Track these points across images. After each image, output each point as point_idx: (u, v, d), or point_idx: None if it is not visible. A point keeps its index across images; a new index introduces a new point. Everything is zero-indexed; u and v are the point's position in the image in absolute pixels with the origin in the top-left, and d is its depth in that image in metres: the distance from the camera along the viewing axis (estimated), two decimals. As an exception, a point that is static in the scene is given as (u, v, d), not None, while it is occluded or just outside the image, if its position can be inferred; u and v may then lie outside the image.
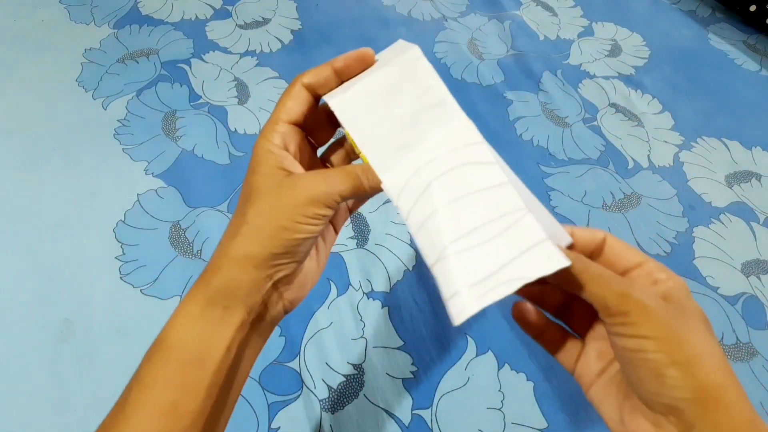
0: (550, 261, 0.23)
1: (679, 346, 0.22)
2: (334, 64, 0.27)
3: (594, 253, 0.27)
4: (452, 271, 0.23)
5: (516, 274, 0.23)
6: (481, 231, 0.24)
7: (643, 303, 0.23)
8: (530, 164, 0.65)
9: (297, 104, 0.27)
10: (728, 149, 0.69)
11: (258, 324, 0.27)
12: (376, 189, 0.27)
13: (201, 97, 0.68)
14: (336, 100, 0.26)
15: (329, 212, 0.26)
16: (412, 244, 0.56)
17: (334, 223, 0.32)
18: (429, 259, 0.24)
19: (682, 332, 0.22)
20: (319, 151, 0.32)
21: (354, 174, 0.26)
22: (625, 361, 0.24)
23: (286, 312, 0.29)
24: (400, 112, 0.27)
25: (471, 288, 0.23)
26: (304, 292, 0.29)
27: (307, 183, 0.25)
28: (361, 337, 0.49)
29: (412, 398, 0.46)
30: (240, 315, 0.25)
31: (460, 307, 0.22)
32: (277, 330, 0.49)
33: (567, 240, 0.26)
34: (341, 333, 0.49)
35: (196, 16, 0.79)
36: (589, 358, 0.28)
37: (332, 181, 0.26)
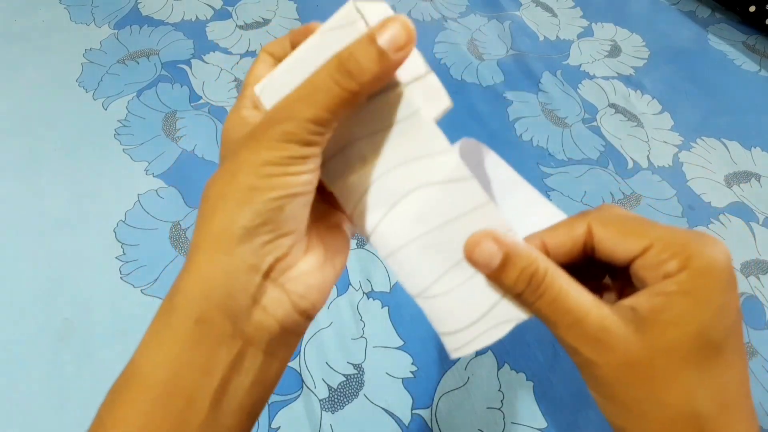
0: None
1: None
2: (291, 35, 0.23)
3: (586, 251, 0.21)
4: (442, 310, 0.22)
5: (505, 315, 0.21)
6: (462, 266, 0.21)
7: (619, 355, 0.17)
8: (530, 164, 0.65)
9: (265, 68, 0.23)
10: (728, 149, 0.70)
11: (257, 336, 0.19)
12: (370, 82, 0.18)
13: (201, 97, 0.68)
14: (259, 87, 0.22)
15: (310, 151, 0.18)
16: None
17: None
18: (408, 288, 0.22)
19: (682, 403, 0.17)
20: None
21: (326, 82, 0.18)
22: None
23: (303, 314, 0.20)
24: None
25: (465, 330, 0.22)
26: (320, 280, 0.21)
27: (267, 122, 0.18)
28: (361, 337, 0.49)
29: (412, 398, 0.46)
30: (219, 327, 0.18)
31: (456, 346, 0.22)
32: (277, 330, 0.49)
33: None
34: (341, 333, 0.49)
35: (197, 17, 0.79)
36: None
37: (295, 107, 0.18)
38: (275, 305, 0.19)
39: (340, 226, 0.24)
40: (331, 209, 0.24)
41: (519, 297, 0.19)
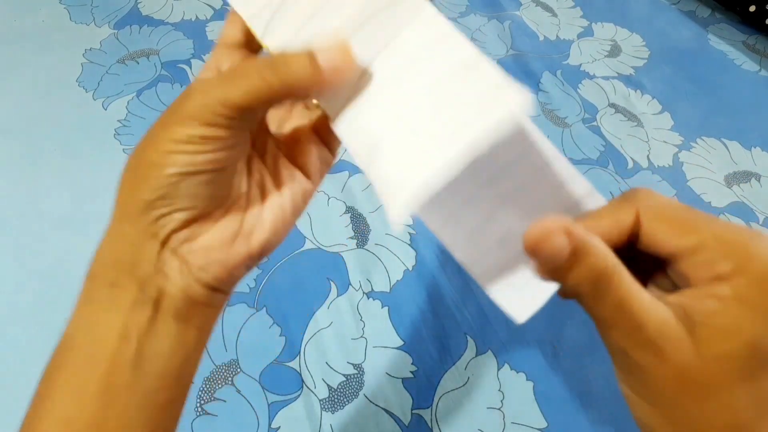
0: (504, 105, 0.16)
1: None
2: None
3: (630, 240, 0.19)
4: (386, 157, 0.18)
5: (464, 138, 0.16)
6: (428, 100, 0.18)
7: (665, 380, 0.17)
8: (530, 164, 0.65)
9: (233, 26, 0.23)
10: (728, 149, 0.70)
11: (162, 302, 0.20)
12: (294, 87, 0.18)
13: (201, 97, 0.68)
14: None
15: (214, 132, 0.18)
16: (413, 245, 0.56)
17: (300, 164, 0.24)
18: (361, 159, 0.19)
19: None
20: None
21: (252, 71, 0.18)
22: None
23: (208, 287, 0.21)
24: None
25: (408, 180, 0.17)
26: (223, 255, 0.21)
27: (185, 95, 0.19)
28: (361, 337, 0.49)
29: (412, 398, 0.46)
30: (130, 291, 0.19)
31: (399, 206, 0.17)
32: (276, 329, 0.49)
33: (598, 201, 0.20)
34: (341, 333, 0.49)
35: (197, 17, 0.79)
36: None
37: (213, 86, 0.18)
38: (175, 274, 0.20)
39: (278, 203, 0.23)
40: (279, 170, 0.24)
41: (578, 296, 0.18)
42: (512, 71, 0.77)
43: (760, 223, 0.62)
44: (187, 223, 0.20)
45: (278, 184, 0.23)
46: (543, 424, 0.46)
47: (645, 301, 0.17)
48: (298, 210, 0.24)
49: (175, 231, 0.20)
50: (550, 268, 0.18)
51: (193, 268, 0.20)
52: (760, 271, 0.16)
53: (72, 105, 0.65)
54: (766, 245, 0.17)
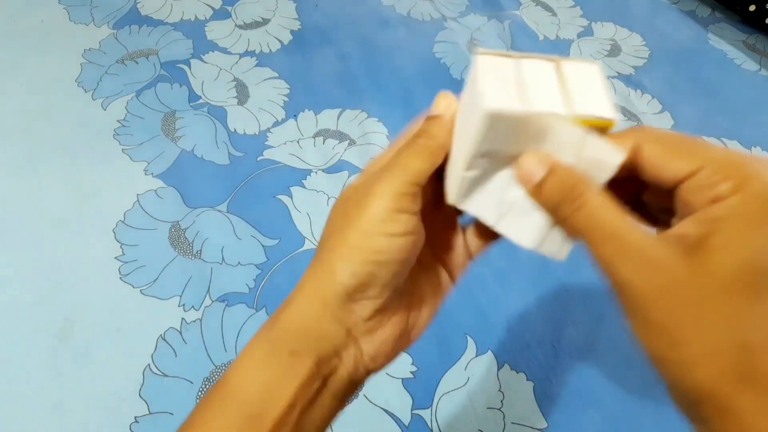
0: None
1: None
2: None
3: (631, 171, 0.20)
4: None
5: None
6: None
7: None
8: (530, 164, 0.65)
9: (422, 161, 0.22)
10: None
11: (330, 380, 0.21)
12: (436, 148, 0.21)
13: (200, 97, 0.68)
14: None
15: (405, 203, 0.20)
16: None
17: (445, 263, 0.26)
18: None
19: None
20: None
21: (402, 151, 0.21)
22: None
23: (368, 372, 0.22)
24: None
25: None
26: (391, 349, 0.22)
27: (376, 184, 0.20)
28: (361, 337, 0.49)
29: (412, 398, 0.46)
30: (309, 364, 0.20)
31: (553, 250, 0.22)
32: (276, 330, 0.49)
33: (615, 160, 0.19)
34: (341, 333, 0.49)
35: (196, 17, 0.79)
36: None
37: (391, 168, 0.20)
38: (350, 359, 0.22)
39: (432, 289, 0.25)
40: (428, 282, 0.25)
41: (556, 211, 0.20)
42: (512, 71, 0.76)
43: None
44: (374, 314, 0.21)
45: (433, 282, 0.25)
46: (543, 424, 0.46)
47: (623, 217, 0.18)
48: (435, 308, 0.25)
49: (363, 320, 0.21)
50: (530, 188, 0.20)
51: (365, 357, 0.22)
52: (758, 189, 0.16)
53: (72, 105, 0.65)
54: (763, 166, 0.17)
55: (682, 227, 0.18)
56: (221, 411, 0.20)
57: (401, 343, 0.23)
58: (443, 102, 0.22)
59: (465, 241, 0.25)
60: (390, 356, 0.23)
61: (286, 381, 0.20)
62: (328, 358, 0.21)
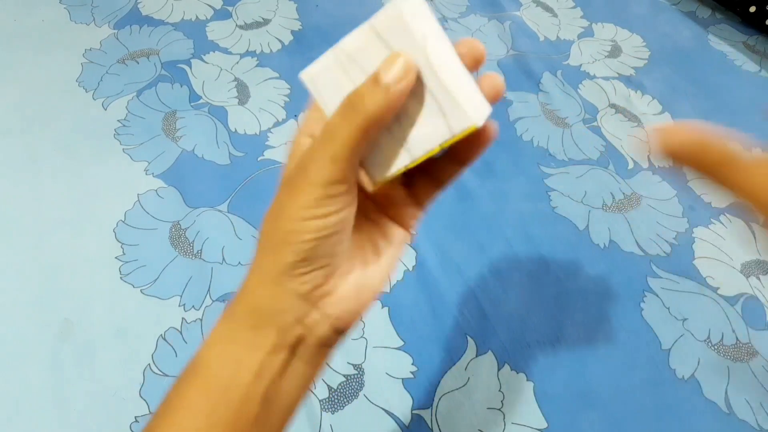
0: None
1: None
2: None
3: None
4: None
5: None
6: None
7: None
8: (530, 165, 0.65)
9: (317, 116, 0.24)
10: (728, 150, 0.69)
11: (299, 348, 0.23)
12: (377, 115, 0.19)
13: (201, 97, 0.68)
14: (307, 74, 0.22)
15: (335, 189, 0.20)
16: (412, 245, 0.56)
17: (394, 216, 0.26)
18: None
19: None
20: None
21: (340, 125, 0.20)
22: None
23: (338, 332, 0.23)
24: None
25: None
26: (355, 305, 0.23)
27: (298, 167, 0.21)
28: (361, 337, 0.49)
29: (412, 398, 0.46)
30: (271, 337, 0.22)
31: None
32: (277, 330, 0.49)
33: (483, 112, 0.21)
34: (341, 333, 0.49)
35: (197, 17, 0.79)
36: None
37: (315, 152, 0.20)
38: (315, 325, 0.22)
39: (387, 241, 0.26)
40: (377, 225, 0.26)
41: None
42: (512, 71, 0.77)
43: (761, 224, 0.62)
44: (325, 280, 0.22)
45: (387, 233, 0.26)
46: (543, 424, 0.46)
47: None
48: (400, 258, 0.27)
49: (317, 287, 0.22)
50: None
51: (331, 318, 0.23)
52: None
53: (72, 105, 0.65)
54: None
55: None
56: (190, 386, 0.22)
57: (364, 297, 0.24)
58: (400, 64, 0.20)
59: (407, 191, 0.26)
60: (356, 312, 0.23)
61: (250, 353, 0.22)
62: (290, 327, 0.22)
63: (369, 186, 0.23)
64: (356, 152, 0.20)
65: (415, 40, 0.20)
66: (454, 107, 0.20)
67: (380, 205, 0.26)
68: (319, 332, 0.22)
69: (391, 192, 0.26)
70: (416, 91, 0.21)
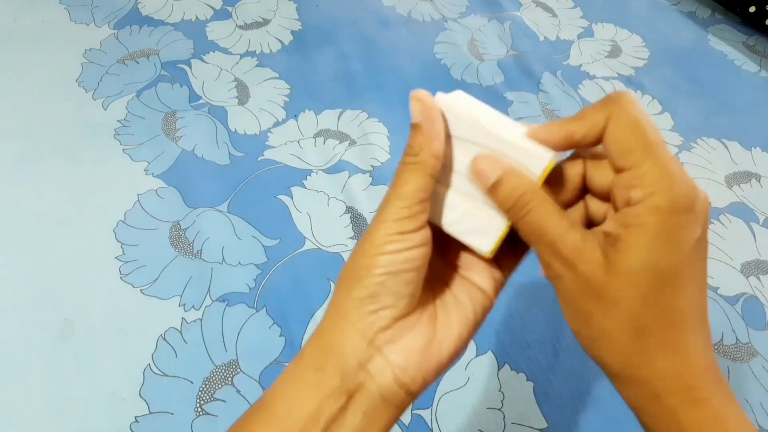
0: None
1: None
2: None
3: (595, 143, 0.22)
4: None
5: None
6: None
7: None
8: (530, 165, 0.65)
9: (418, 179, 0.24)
10: (728, 150, 0.70)
11: (358, 395, 0.22)
12: (422, 150, 0.22)
13: (201, 97, 0.68)
14: (442, 101, 0.24)
15: (405, 225, 0.21)
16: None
17: (470, 278, 0.26)
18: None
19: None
20: None
21: (401, 168, 0.22)
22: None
23: (403, 387, 0.22)
24: None
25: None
26: (420, 359, 0.22)
27: (378, 210, 0.22)
28: (361, 337, 0.49)
29: (412, 398, 0.46)
30: (333, 379, 0.21)
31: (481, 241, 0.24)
32: (276, 330, 0.49)
33: (544, 161, 0.22)
34: (341, 333, 0.49)
35: (197, 17, 0.79)
36: None
37: (387, 197, 0.22)
38: (378, 372, 0.22)
39: (462, 318, 0.25)
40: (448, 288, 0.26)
41: (509, 212, 0.22)
42: (512, 71, 0.77)
43: (761, 223, 0.62)
44: (392, 322, 0.22)
45: (460, 297, 0.25)
46: (543, 424, 0.46)
47: (561, 223, 0.21)
48: (478, 324, 0.25)
49: (382, 329, 0.22)
50: (486, 187, 0.22)
51: (394, 367, 0.22)
52: (660, 204, 0.19)
53: (72, 105, 0.65)
54: (683, 184, 0.19)
55: (607, 224, 0.21)
56: (254, 420, 0.22)
57: (431, 355, 0.23)
58: (417, 107, 0.22)
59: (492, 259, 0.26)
60: (423, 368, 0.22)
61: (311, 394, 0.21)
62: (352, 372, 0.21)
63: (485, 254, 0.24)
64: (422, 189, 0.22)
65: (465, 120, 0.23)
66: (526, 155, 0.22)
67: (459, 268, 0.26)
68: (380, 380, 0.22)
69: (468, 250, 0.25)
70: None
